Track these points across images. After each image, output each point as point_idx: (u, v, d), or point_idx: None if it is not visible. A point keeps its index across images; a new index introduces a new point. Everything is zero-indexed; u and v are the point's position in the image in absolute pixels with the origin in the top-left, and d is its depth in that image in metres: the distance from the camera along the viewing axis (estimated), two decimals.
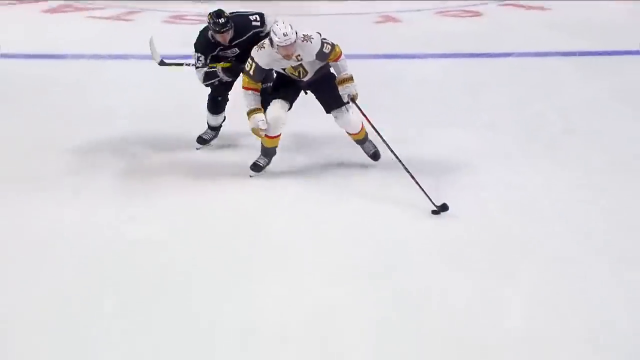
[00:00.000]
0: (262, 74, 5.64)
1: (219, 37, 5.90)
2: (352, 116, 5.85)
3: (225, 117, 6.46)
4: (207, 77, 6.06)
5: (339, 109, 5.83)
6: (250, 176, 5.87)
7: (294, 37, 5.36)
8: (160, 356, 4.22)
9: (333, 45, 5.68)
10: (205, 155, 6.20)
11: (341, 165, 6.03)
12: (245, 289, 4.67)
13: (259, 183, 5.76)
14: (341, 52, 5.72)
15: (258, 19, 6.11)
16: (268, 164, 5.93)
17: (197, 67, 6.05)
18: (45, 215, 5.43)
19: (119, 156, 6.37)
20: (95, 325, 4.38)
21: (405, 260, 5.21)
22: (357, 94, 5.76)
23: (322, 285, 4.77)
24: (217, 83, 6.18)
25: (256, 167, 5.87)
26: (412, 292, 4.80)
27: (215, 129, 6.41)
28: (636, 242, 5.36)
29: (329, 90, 5.77)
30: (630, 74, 8.16)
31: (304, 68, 5.68)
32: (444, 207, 5.30)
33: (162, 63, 6.33)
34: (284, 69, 5.67)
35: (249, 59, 5.63)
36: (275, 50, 5.45)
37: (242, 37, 6.02)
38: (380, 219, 5.31)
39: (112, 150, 6.53)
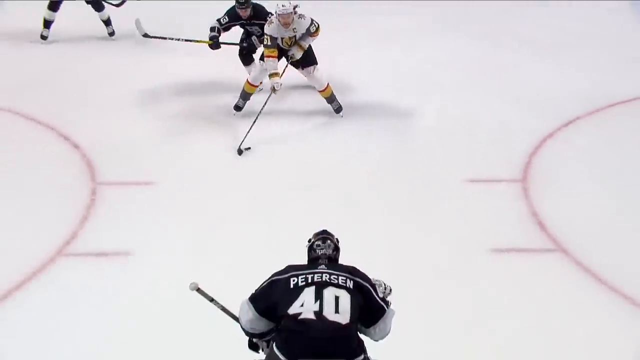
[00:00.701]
0: (275, 42, 6.05)
1: (240, 12, 6.37)
2: (318, 75, 6.35)
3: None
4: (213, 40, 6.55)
5: (309, 67, 6.30)
6: (234, 114, 6.51)
7: (290, 9, 5.88)
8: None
9: (317, 27, 6.14)
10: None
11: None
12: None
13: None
14: (318, 34, 6.18)
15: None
16: (244, 104, 6.48)
17: (218, 19, 6.50)
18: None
19: None
20: None
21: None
22: (295, 56, 6.21)
23: None
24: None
25: (237, 108, 6.51)
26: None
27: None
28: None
29: (303, 57, 6.27)
30: None
31: (291, 39, 6.15)
32: (240, 151, 5.95)
33: (146, 35, 7.05)
34: (282, 39, 6.11)
35: (264, 36, 6.08)
36: (277, 21, 5.95)
37: (259, 20, 6.37)
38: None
39: None
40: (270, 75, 6.06)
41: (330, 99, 6.49)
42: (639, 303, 4.48)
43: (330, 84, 6.40)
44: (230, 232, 5.10)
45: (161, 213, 5.31)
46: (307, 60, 6.24)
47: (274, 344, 3.25)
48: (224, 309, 3.58)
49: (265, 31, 6.04)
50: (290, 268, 3.39)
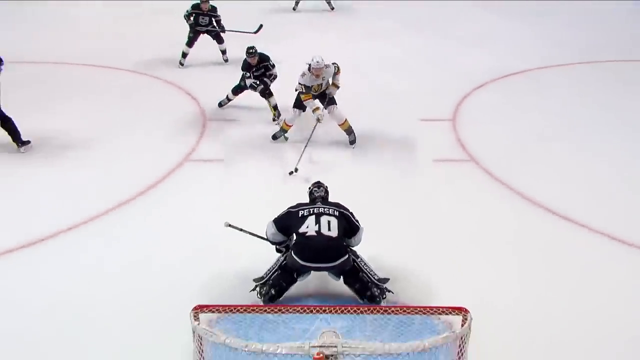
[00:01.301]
0: (309, 89, 5.00)
1: (249, 60, 5.56)
2: (338, 112, 5.18)
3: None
4: (251, 87, 5.55)
5: (331, 106, 5.16)
6: (271, 142, 5.29)
7: (322, 64, 4.94)
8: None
9: (339, 68, 5.16)
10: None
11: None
12: None
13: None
14: (341, 72, 5.13)
15: (272, 62, 5.61)
16: (280, 136, 5.32)
17: (246, 77, 5.50)
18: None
19: None
20: None
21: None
22: (333, 96, 5.03)
23: None
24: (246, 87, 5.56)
25: (274, 137, 5.35)
26: None
27: (229, 100, 5.80)
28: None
29: (327, 99, 5.16)
30: None
31: (320, 85, 5.07)
32: (291, 172, 4.75)
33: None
34: (312, 86, 5.08)
35: (298, 85, 5.01)
36: (310, 73, 4.98)
37: (263, 63, 5.45)
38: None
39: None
40: (314, 110, 5.09)
41: (348, 131, 5.41)
42: (524, 194, 4.48)
43: (347, 119, 5.37)
44: (279, 154, 5.18)
45: (241, 136, 5.62)
46: (330, 102, 5.28)
47: (292, 252, 3.43)
48: (252, 234, 3.57)
49: (300, 82, 5.17)
50: (298, 205, 3.54)
